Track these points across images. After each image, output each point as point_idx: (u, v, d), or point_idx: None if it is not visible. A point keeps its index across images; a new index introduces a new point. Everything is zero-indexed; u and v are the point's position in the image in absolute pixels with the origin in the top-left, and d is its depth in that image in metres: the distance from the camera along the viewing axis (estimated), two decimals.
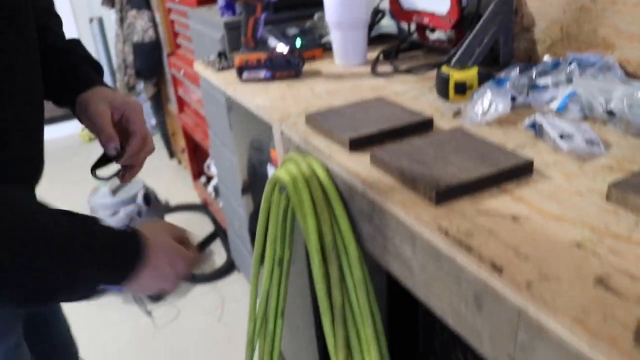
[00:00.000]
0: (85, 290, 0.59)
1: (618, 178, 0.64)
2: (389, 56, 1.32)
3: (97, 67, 0.88)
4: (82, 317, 2.27)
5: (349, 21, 1.24)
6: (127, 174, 0.84)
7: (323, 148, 0.83)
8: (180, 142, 3.05)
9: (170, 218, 2.80)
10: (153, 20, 3.07)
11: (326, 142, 0.85)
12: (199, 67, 1.49)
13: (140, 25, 3.10)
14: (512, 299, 0.49)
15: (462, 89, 0.96)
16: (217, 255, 2.57)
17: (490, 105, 0.87)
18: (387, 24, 1.48)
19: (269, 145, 1.35)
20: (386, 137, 0.82)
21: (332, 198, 0.78)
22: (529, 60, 1.12)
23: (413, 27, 1.38)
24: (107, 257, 0.59)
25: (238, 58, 1.24)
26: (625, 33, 0.94)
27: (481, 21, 1.07)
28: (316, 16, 1.55)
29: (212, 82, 1.38)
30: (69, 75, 0.83)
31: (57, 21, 0.89)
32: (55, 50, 0.84)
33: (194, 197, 3.00)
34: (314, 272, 0.78)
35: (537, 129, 0.80)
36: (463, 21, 1.15)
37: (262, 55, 1.22)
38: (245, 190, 1.72)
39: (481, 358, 1.04)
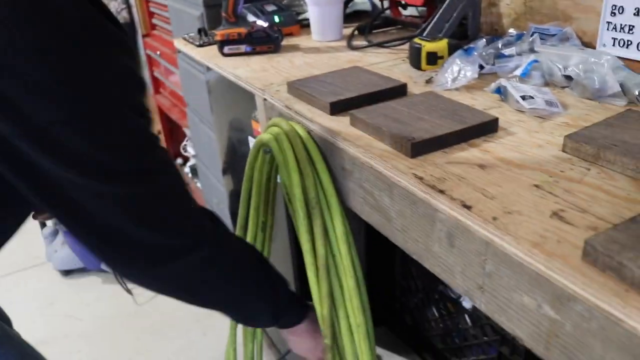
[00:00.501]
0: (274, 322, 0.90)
1: (572, 131, 0.71)
2: (363, 31, 1.37)
3: None
4: (62, 295, 2.30)
5: None
6: None
7: (305, 112, 0.89)
8: (156, 125, 3.06)
9: None
10: (127, 1, 3.07)
11: (308, 107, 0.91)
12: (179, 44, 1.52)
13: (114, 6, 3.09)
14: (480, 232, 0.56)
15: (433, 58, 1.03)
16: None
17: (459, 72, 0.94)
18: (361, 1, 1.54)
19: (248, 124, 1.40)
20: (364, 101, 0.88)
21: (314, 156, 0.84)
22: (496, 33, 1.19)
23: (387, 4, 1.44)
24: (292, 303, 0.91)
25: (219, 33, 1.28)
26: (581, 5, 1.02)
27: None
28: None
29: (193, 57, 1.42)
30: None
31: None
32: None
33: None
34: (299, 226, 0.84)
35: (502, 92, 0.87)
36: None
37: (242, 30, 1.27)
38: (225, 170, 1.77)
39: (452, 314, 1.12)
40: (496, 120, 0.76)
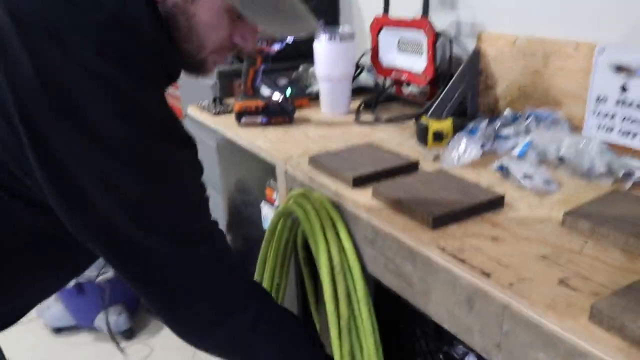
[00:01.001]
0: None
1: (569, 209, 0.81)
2: (369, 106, 1.50)
3: None
4: (54, 353, 2.30)
5: (336, 75, 1.42)
6: None
7: (329, 185, 0.98)
8: None
9: None
10: None
11: (330, 179, 1.01)
12: (194, 112, 1.63)
13: None
14: (499, 296, 0.65)
15: (439, 137, 1.14)
16: None
17: (465, 151, 1.05)
18: (364, 78, 1.67)
19: (254, 186, 1.49)
20: (382, 175, 0.98)
21: (338, 225, 0.93)
22: (492, 113, 1.31)
23: (388, 82, 1.57)
24: None
25: (237, 104, 1.39)
26: (570, 93, 1.15)
27: (452, 80, 1.26)
28: (301, 68, 1.73)
29: (209, 125, 1.53)
30: None
31: None
32: None
33: None
34: (325, 289, 0.92)
35: (504, 170, 0.98)
36: (436, 78, 1.34)
37: (259, 103, 1.38)
38: (229, 230, 1.85)
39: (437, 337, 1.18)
40: (503, 197, 0.87)
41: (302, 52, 1.61)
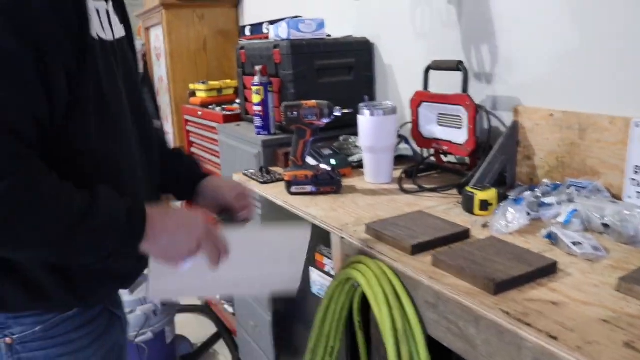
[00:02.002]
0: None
1: (623, 274, 0.87)
2: (410, 175, 1.58)
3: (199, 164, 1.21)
4: None
5: (380, 146, 1.51)
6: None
7: (388, 252, 1.05)
8: None
9: (179, 318, 2.90)
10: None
11: (389, 247, 1.07)
12: (240, 180, 1.72)
13: None
14: (568, 359, 0.71)
15: (485, 205, 1.21)
16: (222, 356, 2.67)
17: (512, 219, 1.12)
18: (403, 147, 1.76)
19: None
20: (438, 243, 1.05)
21: (400, 291, 0.99)
22: (531, 182, 1.39)
23: (426, 151, 1.66)
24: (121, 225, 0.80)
25: (288, 174, 1.48)
26: (607, 164, 1.23)
27: (493, 151, 1.35)
28: (342, 138, 1.83)
29: (258, 193, 1.61)
30: (189, 172, 1.16)
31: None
32: (173, 155, 1.18)
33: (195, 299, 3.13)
34: (389, 353, 0.97)
35: (552, 238, 1.05)
36: (477, 149, 1.43)
37: (309, 173, 1.47)
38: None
39: None
40: (556, 263, 0.93)
41: (342, 121, 1.72)
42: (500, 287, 0.86)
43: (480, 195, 1.22)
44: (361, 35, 2.01)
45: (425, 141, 1.59)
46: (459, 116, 1.47)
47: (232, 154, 2.11)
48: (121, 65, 0.93)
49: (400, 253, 1.04)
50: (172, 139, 3.13)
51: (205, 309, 3.01)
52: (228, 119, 2.35)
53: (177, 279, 0.90)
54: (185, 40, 2.96)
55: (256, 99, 1.88)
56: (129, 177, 0.93)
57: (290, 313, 1.78)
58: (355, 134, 1.90)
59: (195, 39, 2.98)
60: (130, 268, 0.99)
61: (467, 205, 1.25)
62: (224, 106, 2.56)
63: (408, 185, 1.51)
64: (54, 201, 0.74)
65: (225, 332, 2.73)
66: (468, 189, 1.26)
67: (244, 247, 0.91)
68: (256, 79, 1.88)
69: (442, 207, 1.31)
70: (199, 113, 2.61)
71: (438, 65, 1.53)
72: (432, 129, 1.56)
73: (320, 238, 1.33)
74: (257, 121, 1.91)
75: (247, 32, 2.65)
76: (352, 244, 1.16)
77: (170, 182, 1.12)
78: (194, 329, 2.84)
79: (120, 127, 0.91)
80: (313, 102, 1.46)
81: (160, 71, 3.17)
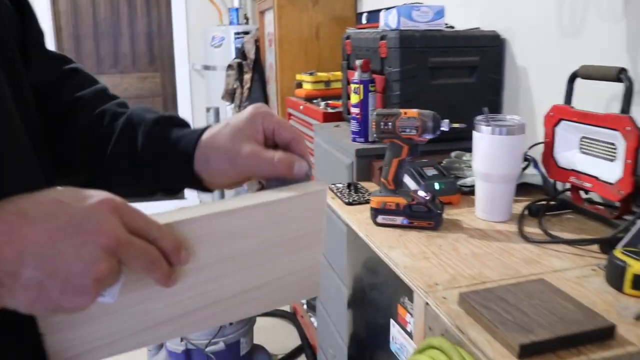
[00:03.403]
0: None
1: None
2: (535, 213, 1.21)
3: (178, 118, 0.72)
4: None
5: (499, 175, 1.16)
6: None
7: (484, 346, 0.72)
8: None
9: (260, 322, 2.71)
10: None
11: (486, 336, 0.74)
12: (328, 196, 1.44)
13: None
14: None
15: None
16: None
17: None
18: (531, 173, 1.38)
19: (383, 271, 1.25)
20: (561, 344, 0.70)
21: None
22: None
23: (562, 184, 1.27)
24: None
25: (375, 199, 1.18)
26: None
27: None
28: (454, 154, 1.49)
29: (339, 214, 1.33)
30: (164, 140, 0.68)
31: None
32: (129, 126, 0.70)
33: None
34: None
35: None
36: (635, 193, 1.03)
37: (401, 201, 1.16)
38: (350, 305, 1.61)
39: None
40: None
41: (456, 132, 1.37)
42: None
43: (636, 268, 0.84)
44: (490, 29, 1.63)
45: (560, 171, 1.20)
46: (612, 144, 1.07)
47: (326, 161, 1.83)
48: None
49: (502, 351, 0.71)
50: None
51: (291, 316, 2.80)
52: (328, 118, 2.08)
53: (97, 325, 0.53)
54: (297, 26, 2.72)
55: (354, 98, 1.59)
56: None
57: (366, 336, 1.49)
58: (469, 149, 1.55)
59: (307, 25, 2.74)
60: None
61: (614, 277, 0.87)
62: (329, 101, 2.30)
63: (531, 229, 1.15)
64: None
65: (308, 348, 2.50)
66: (618, 252, 0.88)
67: (222, 237, 0.56)
68: (356, 76, 1.58)
69: (574, 273, 0.94)
70: (301, 107, 2.37)
71: (589, 73, 1.13)
72: (572, 156, 1.18)
73: (406, 289, 1.02)
74: (354, 125, 1.61)
75: (364, 19, 2.35)
76: (438, 316, 0.84)
77: (128, 169, 0.69)
78: (276, 337, 2.64)
79: None
80: (414, 111, 1.14)
81: (271, 58, 2.97)
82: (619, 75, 1.04)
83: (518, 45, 1.57)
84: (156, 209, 0.55)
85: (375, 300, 1.26)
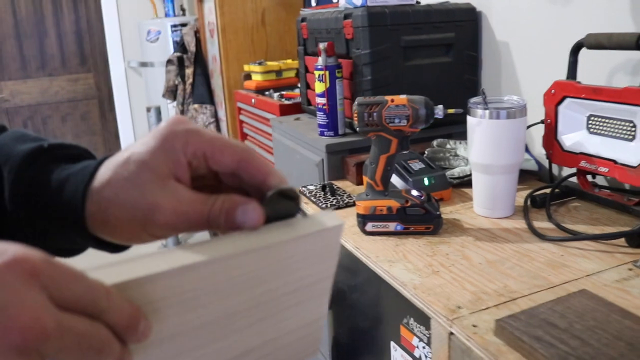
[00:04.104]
0: None
1: None
2: (540, 204, 1.07)
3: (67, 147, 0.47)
4: None
5: (500, 165, 1.01)
6: None
7: None
8: None
9: None
10: (215, 115, 2.95)
11: None
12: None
13: (202, 119, 2.98)
14: None
15: None
16: None
17: None
18: (525, 158, 1.24)
19: (364, 268, 1.09)
20: None
21: None
22: None
23: (554, 168, 1.14)
24: None
25: (362, 204, 1.01)
26: None
27: None
28: (436, 142, 1.33)
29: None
30: (39, 186, 0.44)
31: None
32: None
33: None
34: None
35: None
36: None
37: (393, 204, 0.99)
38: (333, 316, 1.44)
39: None
40: None
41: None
42: None
43: None
44: (464, 1, 1.48)
45: (566, 156, 1.06)
46: (631, 122, 0.94)
47: (289, 159, 1.64)
48: None
49: None
50: (225, 129, 2.71)
51: None
52: (286, 110, 1.89)
53: None
54: (241, 13, 2.51)
55: (319, 87, 1.41)
56: None
57: (351, 341, 1.32)
58: (452, 135, 1.40)
59: (252, 12, 2.53)
60: None
61: None
62: (282, 92, 2.11)
63: (541, 224, 1.00)
64: None
65: None
66: None
67: (202, 294, 0.38)
68: (320, 61, 1.40)
69: (611, 275, 0.80)
70: (253, 100, 2.17)
71: (599, 42, 0.99)
72: (580, 138, 1.04)
73: (410, 307, 0.86)
74: (320, 117, 1.43)
75: (313, 2, 2.16)
76: (470, 350, 0.68)
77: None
78: None
79: None
80: (403, 97, 0.97)
81: (213, 50, 2.74)
82: (638, 41, 0.90)
83: (496, 19, 1.42)
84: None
85: (357, 304, 1.09)
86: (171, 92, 3.20)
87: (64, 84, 4.21)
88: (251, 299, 0.41)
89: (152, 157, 0.40)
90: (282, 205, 0.42)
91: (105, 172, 0.41)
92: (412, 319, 0.89)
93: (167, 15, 3.69)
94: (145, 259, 0.36)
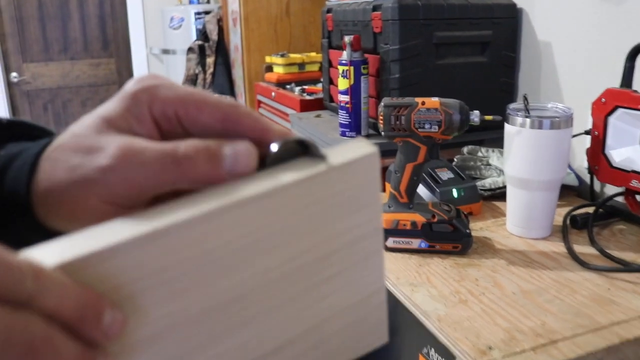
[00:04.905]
0: None
1: None
2: (582, 225, 0.96)
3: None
4: None
5: (541, 180, 0.90)
6: None
7: None
8: None
9: None
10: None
11: None
12: None
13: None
14: None
15: None
16: None
17: None
18: None
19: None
20: None
21: None
22: None
23: (594, 185, 1.03)
24: None
25: (385, 217, 0.91)
26: None
27: None
28: (466, 149, 1.22)
29: None
30: None
31: None
32: None
33: None
34: None
35: None
36: None
37: (418, 218, 0.89)
38: None
39: None
40: None
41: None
42: None
43: None
44: None
45: (614, 173, 0.95)
46: None
47: None
48: None
49: None
50: None
51: None
52: (307, 106, 1.79)
53: None
54: (265, 2, 2.41)
55: (343, 84, 1.31)
56: None
57: None
58: (484, 142, 1.29)
59: (276, 1, 2.43)
60: None
61: None
62: (304, 86, 2.01)
63: (581, 248, 0.90)
64: None
65: None
66: None
67: (200, 265, 0.27)
68: (344, 56, 1.30)
69: None
70: (273, 94, 2.07)
71: None
72: (632, 154, 0.93)
73: (429, 336, 0.76)
74: (342, 117, 1.33)
75: None
76: None
77: None
78: None
79: None
80: (435, 100, 0.87)
81: (235, 39, 2.65)
82: None
83: (538, 16, 1.30)
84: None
85: None
86: (191, 81, 3.12)
87: (86, 68, 4.16)
88: (268, 272, 0.30)
89: (109, 111, 0.32)
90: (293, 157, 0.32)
91: (61, 136, 0.33)
92: (432, 349, 0.79)
93: (191, 2, 3.61)
94: (105, 228, 0.26)
